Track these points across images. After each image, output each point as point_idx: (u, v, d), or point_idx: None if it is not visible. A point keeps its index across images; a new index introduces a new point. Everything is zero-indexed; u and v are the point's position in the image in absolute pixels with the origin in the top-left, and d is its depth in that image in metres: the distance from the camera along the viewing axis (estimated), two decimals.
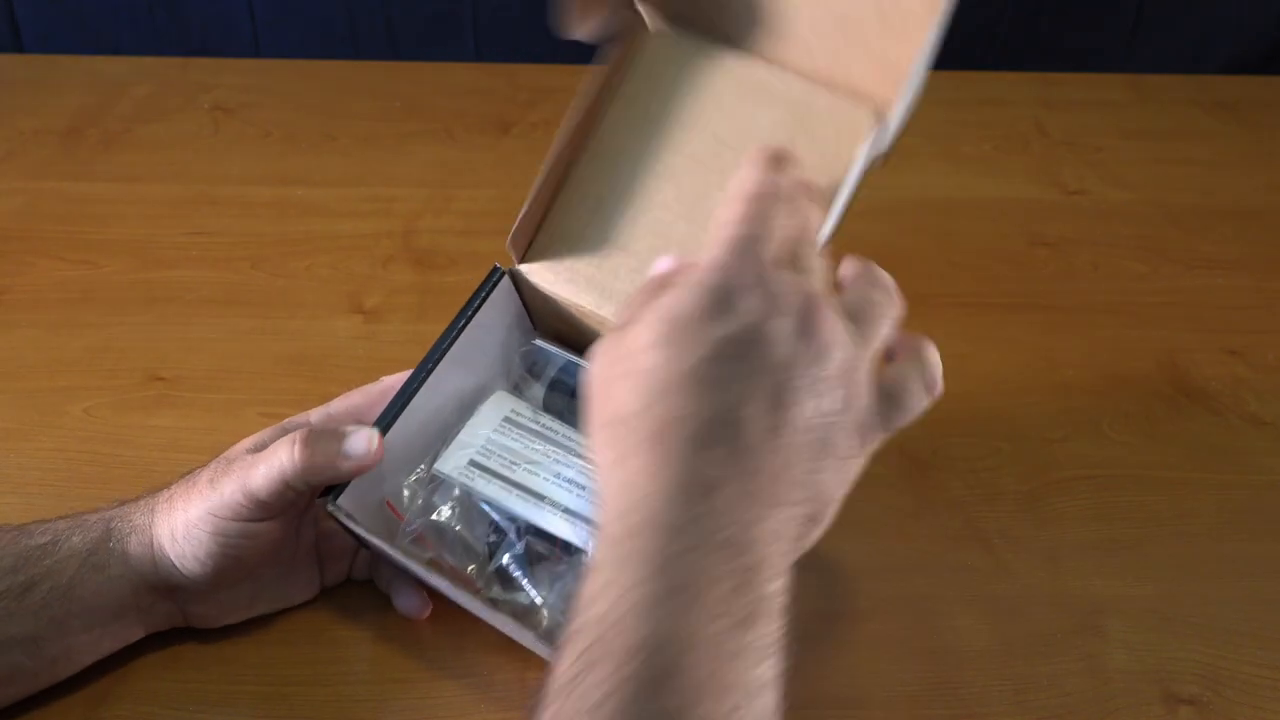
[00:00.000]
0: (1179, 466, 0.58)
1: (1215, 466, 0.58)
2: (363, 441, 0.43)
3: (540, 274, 0.46)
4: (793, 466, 0.33)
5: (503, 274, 0.47)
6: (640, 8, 0.45)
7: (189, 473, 0.45)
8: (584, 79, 0.45)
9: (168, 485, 0.45)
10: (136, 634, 0.45)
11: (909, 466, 0.57)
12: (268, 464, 0.42)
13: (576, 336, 0.48)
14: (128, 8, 1.05)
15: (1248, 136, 0.91)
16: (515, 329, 0.49)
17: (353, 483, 0.43)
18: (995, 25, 1.06)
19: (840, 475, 0.35)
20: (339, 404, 0.48)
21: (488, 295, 0.46)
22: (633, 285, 0.43)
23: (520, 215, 0.45)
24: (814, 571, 0.51)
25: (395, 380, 0.47)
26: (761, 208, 0.36)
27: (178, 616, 0.45)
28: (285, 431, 0.45)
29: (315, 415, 0.47)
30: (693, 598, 0.30)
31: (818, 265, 0.37)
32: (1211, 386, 0.63)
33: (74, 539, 0.43)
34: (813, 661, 0.47)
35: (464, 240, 0.74)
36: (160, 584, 0.43)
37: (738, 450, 0.32)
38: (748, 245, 0.35)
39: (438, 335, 0.47)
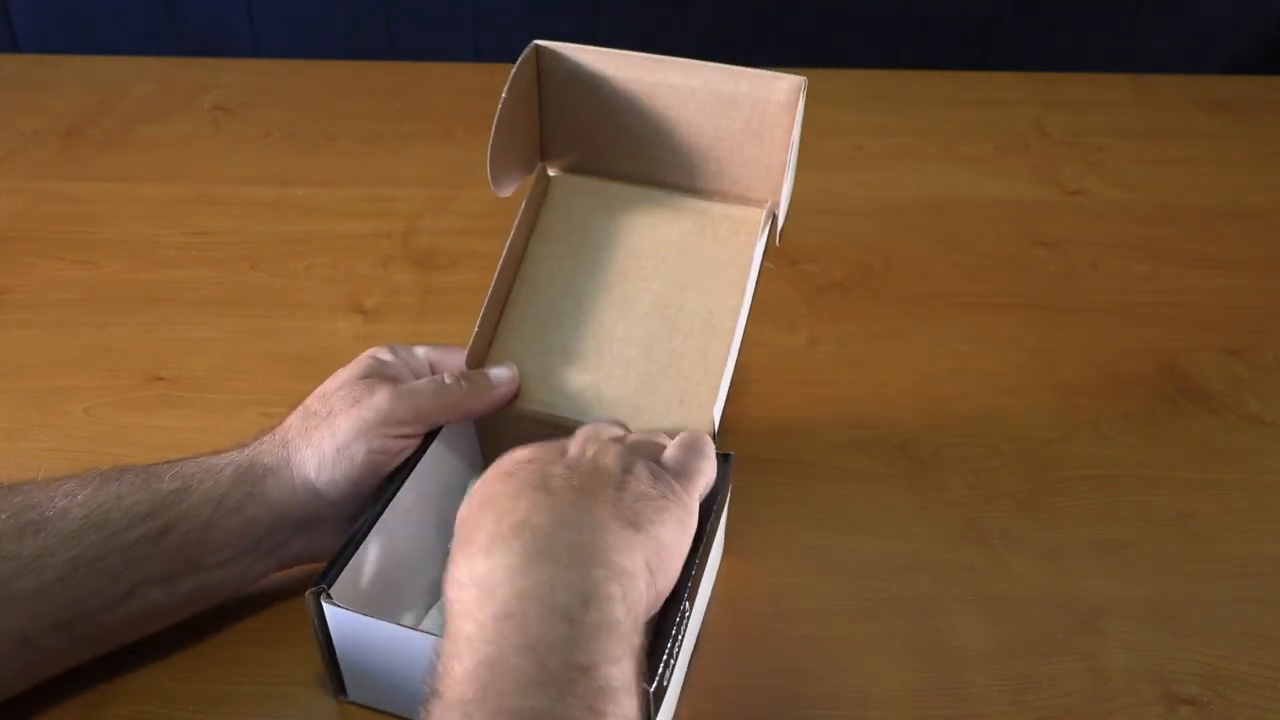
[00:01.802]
0: (1179, 466, 0.58)
1: (1215, 466, 0.58)
2: (506, 371, 0.49)
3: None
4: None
5: None
6: (546, 164, 0.53)
7: (297, 410, 0.47)
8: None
9: (272, 428, 0.47)
10: (269, 570, 0.46)
11: (909, 466, 0.57)
12: (439, 392, 0.47)
13: None
14: (128, 8, 1.05)
15: (1248, 136, 0.91)
16: (467, 463, 0.52)
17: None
18: (995, 25, 1.07)
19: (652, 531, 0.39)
20: (420, 350, 0.51)
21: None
22: (583, 386, 0.49)
23: (471, 342, 0.50)
24: (814, 571, 0.51)
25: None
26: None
27: (307, 553, 0.47)
28: (376, 360, 0.48)
29: (400, 350, 0.50)
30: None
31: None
32: (1211, 386, 0.63)
33: (206, 484, 0.44)
34: (813, 661, 0.47)
35: (464, 240, 0.74)
36: (301, 518, 0.45)
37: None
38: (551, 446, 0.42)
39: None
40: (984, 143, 0.89)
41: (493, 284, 0.50)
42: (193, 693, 0.45)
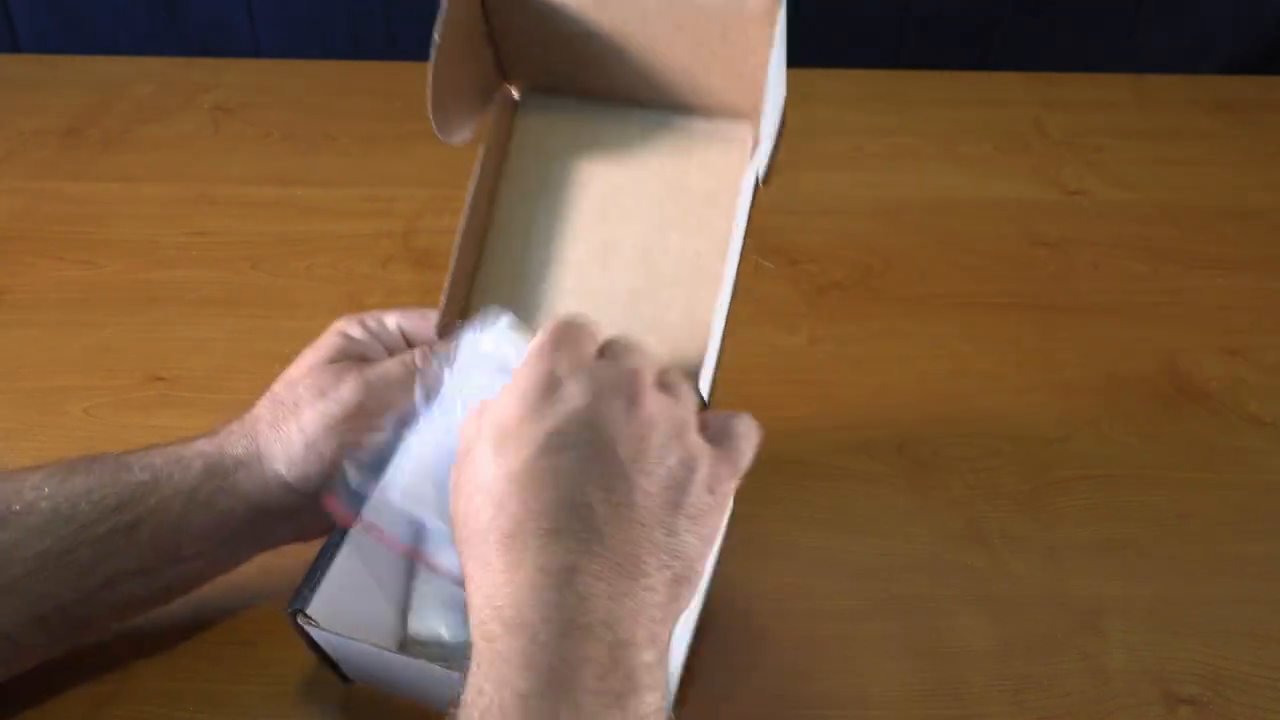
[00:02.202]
0: (1179, 466, 0.58)
1: (1215, 466, 0.58)
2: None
3: None
4: (646, 536, 0.34)
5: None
6: (510, 86, 0.48)
7: (265, 397, 0.46)
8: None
9: (243, 413, 0.45)
10: (254, 553, 0.46)
11: (909, 466, 0.57)
12: (411, 378, 0.44)
13: None
14: (128, 8, 1.05)
15: (1248, 136, 0.91)
16: None
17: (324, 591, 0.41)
18: (995, 25, 1.06)
19: (699, 531, 0.36)
20: (391, 318, 0.48)
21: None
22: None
23: (441, 306, 0.46)
24: (815, 572, 0.51)
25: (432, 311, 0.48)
26: (574, 321, 0.39)
27: (294, 536, 0.46)
28: (344, 338, 0.47)
29: (370, 322, 0.48)
30: (564, 688, 0.31)
31: (635, 352, 0.39)
32: (1211, 386, 0.63)
33: (175, 477, 0.43)
34: (813, 661, 0.47)
35: None
36: (278, 508, 0.44)
37: (588, 534, 0.33)
38: (561, 342, 0.38)
39: None
40: (984, 143, 0.89)
41: (459, 240, 0.46)
42: (193, 692, 0.45)
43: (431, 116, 0.44)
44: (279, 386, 0.46)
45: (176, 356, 0.64)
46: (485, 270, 0.48)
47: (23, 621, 0.40)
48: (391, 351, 0.47)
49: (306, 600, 0.40)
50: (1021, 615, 0.49)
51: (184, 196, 0.79)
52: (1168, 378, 0.64)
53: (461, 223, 0.46)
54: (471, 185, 0.46)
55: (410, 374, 0.45)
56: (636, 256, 0.46)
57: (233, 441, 0.44)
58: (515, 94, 0.48)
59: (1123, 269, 0.74)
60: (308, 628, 0.40)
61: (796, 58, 1.11)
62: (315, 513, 0.44)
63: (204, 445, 0.44)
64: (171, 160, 0.84)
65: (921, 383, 0.62)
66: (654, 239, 0.46)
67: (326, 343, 0.46)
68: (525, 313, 0.46)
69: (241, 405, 0.60)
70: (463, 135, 0.47)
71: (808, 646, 0.48)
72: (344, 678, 0.44)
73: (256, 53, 1.07)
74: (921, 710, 0.45)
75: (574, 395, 0.36)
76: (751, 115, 0.45)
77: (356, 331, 0.47)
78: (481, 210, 0.47)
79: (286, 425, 0.44)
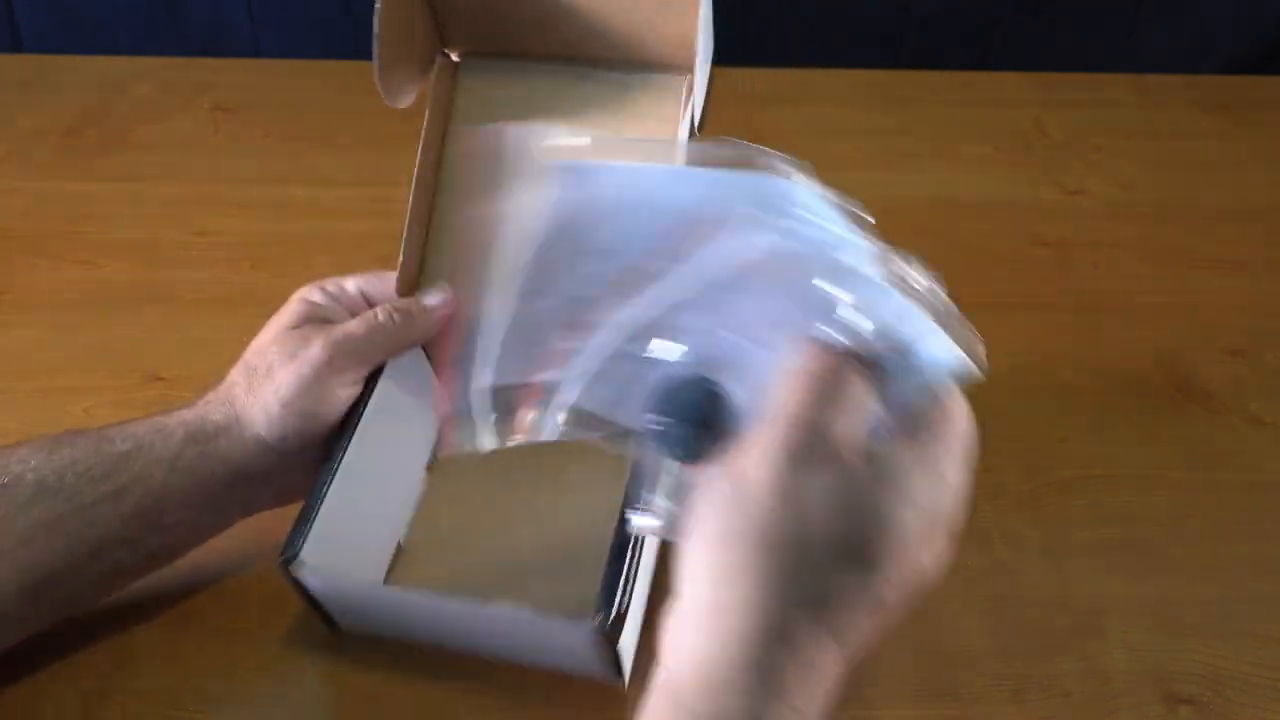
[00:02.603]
0: (1179, 466, 0.58)
1: (1215, 466, 0.58)
2: (439, 294, 0.49)
3: None
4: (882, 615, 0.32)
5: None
6: (449, 52, 0.49)
7: (238, 366, 0.47)
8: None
9: (218, 384, 0.47)
10: (232, 521, 0.47)
11: None
12: (374, 331, 0.47)
13: None
14: (128, 8, 1.05)
15: (1248, 136, 0.91)
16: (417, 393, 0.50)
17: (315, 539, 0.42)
18: (995, 25, 1.07)
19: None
20: (350, 282, 0.51)
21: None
22: None
23: (399, 269, 0.48)
24: None
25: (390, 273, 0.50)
26: (839, 363, 0.34)
27: (276, 499, 0.48)
28: (307, 304, 0.48)
29: (330, 287, 0.50)
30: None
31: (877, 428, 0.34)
32: (1211, 386, 0.63)
33: (157, 446, 0.44)
34: None
35: None
36: (259, 472, 0.46)
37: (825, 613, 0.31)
38: (827, 391, 0.33)
39: None
40: (984, 143, 0.89)
41: (411, 203, 0.48)
42: (193, 692, 0.45)
43: (379, 82, 0.46)
44: (250, 355, 0.48)
45: (176, 356, 0.64)
46: (437, 229, 0.49)
47: (12, 592, 0.41)
48: (353, 313, 0.49)
49: (296, 549, 0.41)
50: (1021, 615, 0.49)
51: (184, 196, 0.79)
52: (1168, 378, 0.64)
53: (412, 186, 0.48)
54: (419, 150, 0.48)
55: (374, 331, 0.47)
56: None
57: (211, 409, 0.46)
58: (455, 58, 0.50)
59: (1123, 269, 0.74)
60: (300, 576, 0.41)
61: (797, 58, 1.11)
62: (292, 475, 0.46)
63: (184, 414, 0.46)
64: (171, 160, 0.84)
65: None
66: None
67: (290, 310, 0.49)
68: (482, 270, 0.45)
69: None
70: (406, 99, 0.49)
71: None
72: (332, 624, 0.45)
73: (256, 53, 1.07)
74: (921, 710, 0.45)
75: (831, 492, 0.31)
76: (683, 68, 0.46)
77: (318, 297, 0.49)
78: (430, 173, 0.49)
79: (262, 389, 0.46)
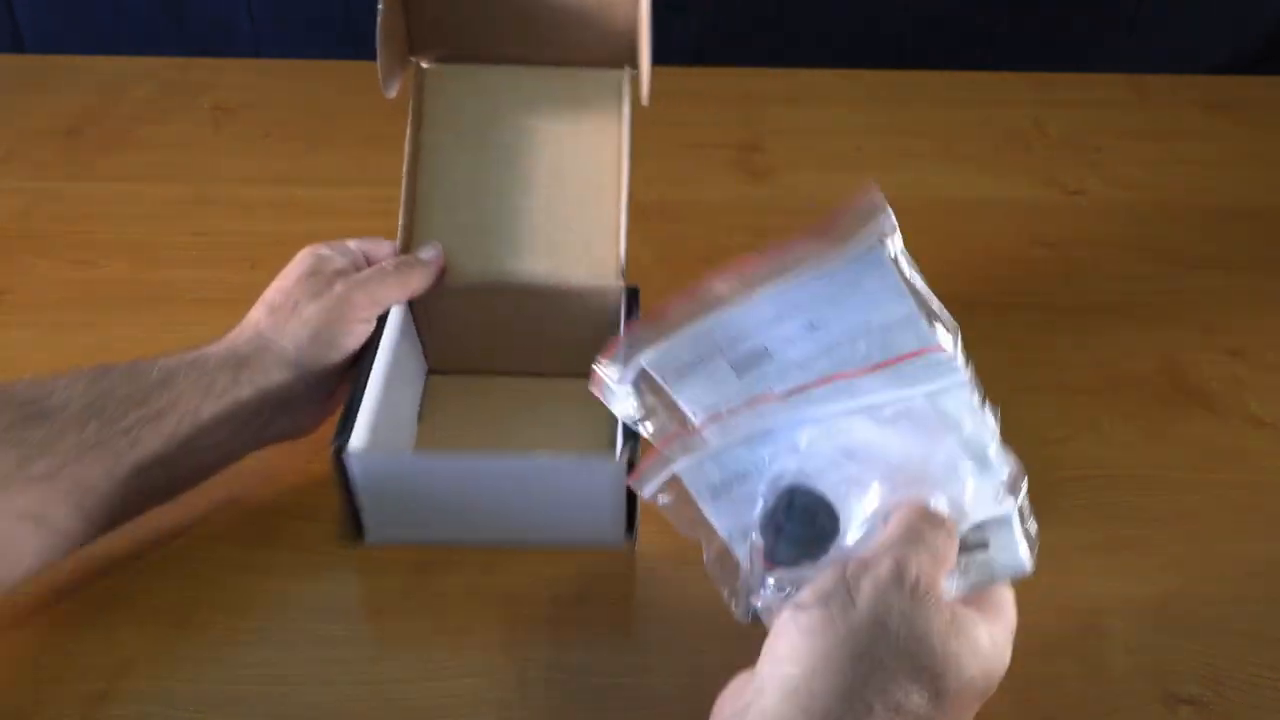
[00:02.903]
0: (1179, 466, 0.58)
1: (1215, 466, 0.58)
2: (431, 249, 0.56)
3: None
4: None
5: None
6: (417, 60, 0.58)
7: (259, 306, 0.54)
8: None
9: (237, 326, 0.54)
10: (252, 448, 0.52)
11: None
12: (386, 277, 0.54)
13: (477, 355, 0.59)
14: (128, 8, 1.05)
15: (1248, 136, 0.91)
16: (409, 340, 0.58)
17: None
18: (995, 25, 1.07)
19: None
20: (352, 242, 0.58)
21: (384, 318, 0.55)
22: (501, 253, 0.56)
23: (398, 239, 0.57)
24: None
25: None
26: (930, 532, 0.39)
27: (286, 431, 0.53)
28: (317, 257, 0.55)
29: (334, 245, 0.57)
30: None
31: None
32: (1211, 386, 0.63)
33: (191, 374, 0.49)
34: None
35: None
36: (283, 398, 0.51)
37: None
38: (920, 540, 0.39)
39: None
40: (984, 143, 0.89)
41: (404, 184, 0.57)
42: (193, 692, 0.45)
43: (380, 73, 0.54)
44: (272, 294, 0.54)
45: None
46: (423, 203, 0.57)
47: (64, 506, 0.44)
48: (357, 267, 0.56)
49: (345, 439, 0.47)
50: (1022, 615, 0.49)
51: (184, 196, 0.79)
52: (1168, 378, 0.64)
53: (404, 177, 0.57)
54: (406, 144, 0.57)
55: (386, 276, 0.54)
56: (547, 178, 0.56)
57: (241, 342, 0.52)
58: (424, 65, 0.58)
59: (1123, 269, 0.74)
60: (349, 464, 0.47)
61: (797, 58, 1.11)
62: (309, 404, 0.53)
63: (212, 348, 0.51)
64: (171, 160, 0.84)
65: None
66: (559, 163, 0.56)
67: (305, 261, 0.55)
68: (461, 231, 0.56)
69: None
70: (394, 90, 0.56)
71: None
72: (359, 534, 0.51)
73: (256, 53, 1.07)
74: None
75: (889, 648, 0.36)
76: (625, 62, 0.56)
77: (326, 251, 0.56)
78: (414, 156, 0.57)
79: (290, 322, 0.52)
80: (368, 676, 0.46)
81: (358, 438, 0.48)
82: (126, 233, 0.75)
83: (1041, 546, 0.53)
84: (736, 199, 0.81)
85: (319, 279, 0.54)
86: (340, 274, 0.54)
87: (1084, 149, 0.88)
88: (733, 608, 0.43)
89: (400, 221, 0.57)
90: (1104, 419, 0.61)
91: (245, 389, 0.50)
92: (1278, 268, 0.74)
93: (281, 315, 0.53)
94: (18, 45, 1.08)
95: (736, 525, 0.42)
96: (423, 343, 0.59)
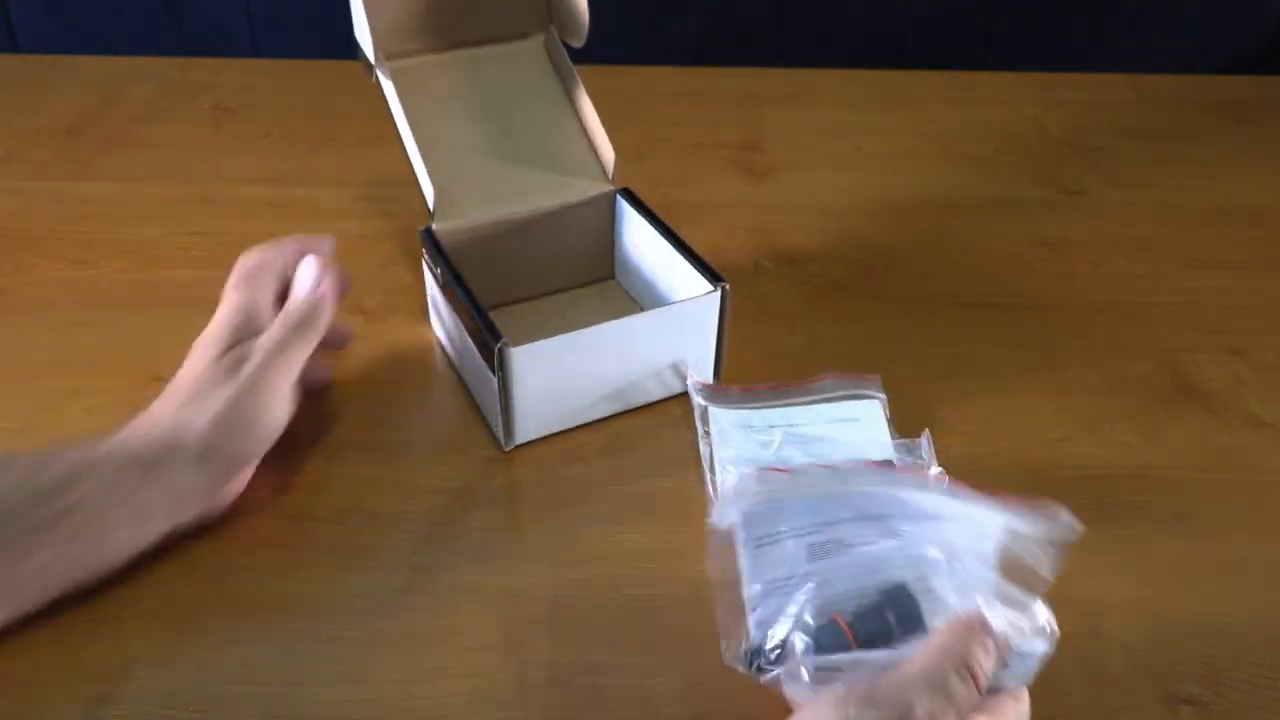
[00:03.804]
0: (1179, 466, 0.58)
1: (1215, 466, 0.58)
2: (309, 270, 0.56)
3: (454, 223, 0.63)
4: None
5: (426, 228, 0.62)
6: (381, 63, 0.64)
7: (169, 392, 0.51)
8: None
9: (147, 403, 0.51)
10: (163, 530, 0.49)
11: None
12: (303, 335, 0.52)
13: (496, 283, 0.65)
14: (128, 8, 1.05)
15: (1248, 136, 0.91)
16: None
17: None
18: (995, 25, 1.07)
19: None
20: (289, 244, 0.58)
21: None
22: (506, 187, 0.63)
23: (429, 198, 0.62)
24: None
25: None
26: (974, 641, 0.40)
27: (199, 509, 0.50)
28: (236, 318, 0.53)
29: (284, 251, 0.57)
30: None
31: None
32: (1211, 386, 0.63)
33: (95, 469, 0.46)
34: None
35: None
36: (191, 489, 0.49)
37: None
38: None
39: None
40: (984, 143, 0.89)
41: (417, 159, 0.62)
42: (193, 692, 0.45)
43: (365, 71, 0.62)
44: (181, 381, 0.52)
45: (176, 356, 0.63)
46: (439, 176, 0.62)
47: None
48: (282, 288, 0.55)
49: (501, 339, 0.52)
50: None
51: (184, 196, 0.79)
52: (1168, 378, 0.64)
53: (416, 154, 0.62)
54: (404, 128, 0.63)
55: (295, 335, 0.52)
56: (522, 124, 0.65)
57: (149, 438, 0.49)
58: (392, 65, 0.65)
59: (1123, 269, 0.74)
60: (511, 351, 0.53)
61: (797, 58, 1.11)
62: (226, 489, 0.51)
63: (121, 441, 0.49)
64: (171, 160, 0.84)
65: (921, 382, 0.62)
66: (526, 110, 0.65)
67: (215, 335, 0.52)
68: (465, 178, 0.63)
69: None
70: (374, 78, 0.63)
71: None
72: (511, 435, 0.56)
73: (256, 53, 1.07)
74: None
75: None
76: (541, 30, 0.67)
77: (244, 295, 0.54)
78: (415, 142, 0.63)
79: (200, 414, 0.49)
80: (367, 676, 0.46)
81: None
82: (126, 233, 0.75)
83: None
84: (736, 199, 0.81)
85: (229, 359, 0.51)
86: (250, 343, 0.52)
87: (1084, 149, 0.88)
88: (723, 650, 0.44)
89: (428, 193, 0.61)
90: (1104, 419, 0.61)
91: (153, 490, 0.47)
92: (1278, 268, 0.74)
93: (191, 408, 0.50)
94: (12, 46, 1.08)
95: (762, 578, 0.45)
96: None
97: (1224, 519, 0.54)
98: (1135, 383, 0.63)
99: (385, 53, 0.64)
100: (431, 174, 0.61)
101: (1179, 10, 1.05)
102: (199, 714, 0.44)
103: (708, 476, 0.54)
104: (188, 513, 0.50)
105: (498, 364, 0.53)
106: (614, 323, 0.55)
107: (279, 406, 0.51)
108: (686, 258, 0.59)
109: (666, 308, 0.58)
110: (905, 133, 0.90)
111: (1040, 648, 0.42)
